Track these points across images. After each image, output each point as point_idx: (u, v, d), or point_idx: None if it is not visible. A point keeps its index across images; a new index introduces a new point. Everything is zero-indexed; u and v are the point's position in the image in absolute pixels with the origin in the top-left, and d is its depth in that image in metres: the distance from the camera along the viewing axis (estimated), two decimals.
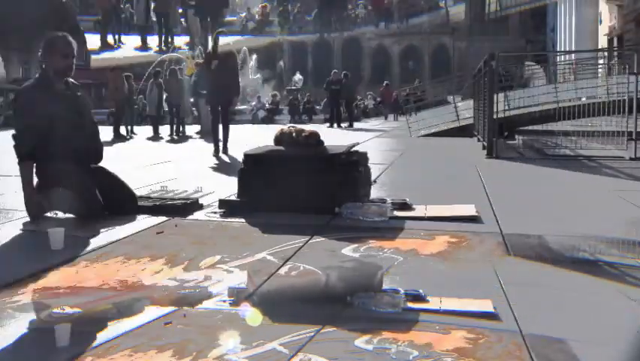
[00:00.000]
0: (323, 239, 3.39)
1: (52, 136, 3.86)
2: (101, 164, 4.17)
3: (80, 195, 3.82)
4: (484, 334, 2.06)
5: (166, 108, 15.78)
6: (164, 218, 3.95)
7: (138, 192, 4.52)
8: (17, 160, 3.91)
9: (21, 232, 3.66)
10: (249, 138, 11.62)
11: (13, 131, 3.95)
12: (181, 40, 28.14)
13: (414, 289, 2.43)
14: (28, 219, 3.92)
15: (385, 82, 29.16)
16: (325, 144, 4.39)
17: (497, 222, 3.82)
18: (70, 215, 3.91)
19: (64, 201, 3.87)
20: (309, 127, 4.24)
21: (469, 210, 4.06)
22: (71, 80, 4.12)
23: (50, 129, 3.85)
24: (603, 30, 22.43)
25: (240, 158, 4.41)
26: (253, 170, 4.26)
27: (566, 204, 4.66)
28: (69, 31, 5.26)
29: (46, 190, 3.89)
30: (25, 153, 3.87)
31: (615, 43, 20.99)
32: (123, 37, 29.13)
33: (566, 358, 1.90)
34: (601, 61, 12.87)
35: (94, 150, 4.13)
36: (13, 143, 3.94)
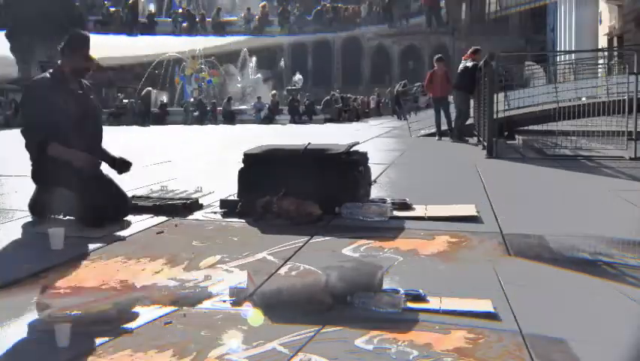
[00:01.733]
0: (323, 239, 3.39)
1: (57, 133, 3.79)
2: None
3: (85, 203, 3.70)
4: (484, 334, 2.06)
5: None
6: (164, 218, 3.95)
7: (138, 192, 4.52)
8: (39, 150, 3.79)
9: (21, 232, 3.66)
10: (250, 137, 11.63)
11: (21, 127, 3.88)
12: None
13: (414, 289, 2.43)
14: (29, 219, 3.92)
15: None
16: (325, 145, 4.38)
17: (497, 222, 3.82)
18: (71, 217, 3.89)
19: (66, 204, 3.84)
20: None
21: (469, 210, 4.06)
22: (85, 81, 4.08)
23: (57, 126, 3.79)
24: (603, 30, 22.42)
25: (240, 158, 4.40)
26: (253, 170, 4.26)
27: (566, 204, 4.66)
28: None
29: (47, 191, 3.87)
30: (44, 140, 3.77)
31: (615, 44, 20.98)
32: None
33: (566, 358, 1.90)
34: (601, 61, 12.85)
35: (97, 153, 4.04)
36: (25, 138, 3.84)
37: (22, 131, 3.88)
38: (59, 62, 3.98)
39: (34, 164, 3.91)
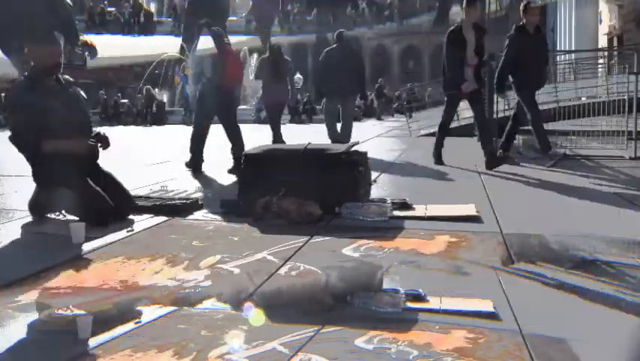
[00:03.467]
0: (323, 239, 3.39)
1: (46, 132, 3.82)
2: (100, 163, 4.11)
3: (89, 202, 3.74)
4: (484, 334, 2.06)
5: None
6: (164, 218, 3.95)
7: (138, 192, 4.52)
8: (34, 151, 3.85)
9: (21, 232, 3.66)
10: (250, 137, 11.63)
11: (9, 133, 3.89)
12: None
13: (414, 289, 2.43)
14: (29, 219, 3.92)
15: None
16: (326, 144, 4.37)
17: (497, 222, 3.82)
18: (74, 216, 3.88)
19: (66, 203, 3.84)
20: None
21: (469, 210, 4.06)
22: (65, 76, 4.10)
23: (43, 125, 3.81)
24: (603, 30, 22.42)
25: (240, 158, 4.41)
26: (253, 170, 4.26)
27: (565, 204, 4.66)
28: (62, 26, 5.26)
29: (47, 190, 3.88)
30: (34, 140, 3.82)
31: (615, 43, 20.98)
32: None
33: (566, 358, 1.90)
34: (601, 61, 12.85)
35: (86, 145, 4.00)
36: (16, 144, 3.87)
37: (10, 138, 3.88)
38: (32, 63, 4.03)
39: (34, 165, 3.92)
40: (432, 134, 13.22)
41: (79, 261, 2.97)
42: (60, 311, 2.34)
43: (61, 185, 3.78)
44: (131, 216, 3.94)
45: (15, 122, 3.93)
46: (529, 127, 8.20)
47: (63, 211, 3.94)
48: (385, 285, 2.46)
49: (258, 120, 24.85)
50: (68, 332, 2.06)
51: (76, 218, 3.78)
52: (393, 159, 8.04)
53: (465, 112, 14.05)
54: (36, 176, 3.94)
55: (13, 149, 3.91)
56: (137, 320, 2.21)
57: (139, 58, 29.33)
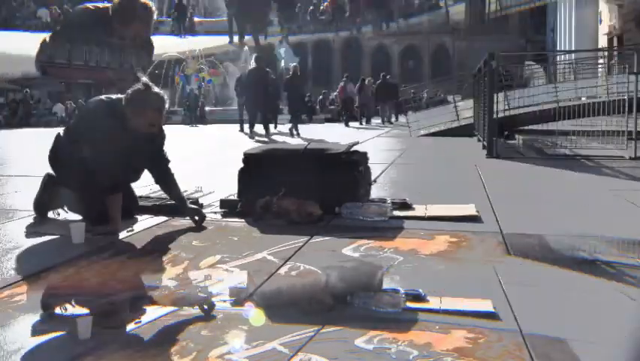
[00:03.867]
0: (323, 239, 3.39)
1: (118, 183, 3.62)
2: None
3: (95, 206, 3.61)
4: (484, 334, 2.06)
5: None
6: (164, 218, 3.95)
7: (138, 192, 4.52)
8: (100, 192, 3.53)
9: (21, 232, 3.65)
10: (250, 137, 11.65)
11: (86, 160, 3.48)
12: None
13: (414, 289, 2.43)
14: (29, 219, 3.92)
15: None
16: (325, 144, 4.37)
17: (497, 222, 3.82)
18: (75, 215, 3.88)
19: (71, 202, 3.83)
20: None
21: (469, 210, 4.06)
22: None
23: (118, 175, 3.59)
24: (603, 30, 22.41)
25: (240, 158, 4.41)
26: (253, 170, 4.26)
27: (566, 204, 4.66)
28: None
29: (53, 189, 3.87)
30: (109, 189, 3.55)
31: (615, 43, 20.97)
32: None
33: (566, 358, 1.90)
34: (601, 61, 12.84)
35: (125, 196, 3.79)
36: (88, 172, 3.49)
37: (79, 162, 3.51)
38: (123, 101, 3.52)
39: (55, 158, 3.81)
40: (432, 135, 13.28)
41: (79, 261, 2.97)
42: (60, 311, 2.34)
43: (68, 183, 3.75)
44: (135, 216, 3.95)
45: (98, 158, 3.45)
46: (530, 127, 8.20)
47: (65, 208, 3.94)
48: (385, 285, 2.46)
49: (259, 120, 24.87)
50: (68, 332, 2.06)
51: (76, 218, 3.78)
52: (393, 159, 8.04)
53: (465, 112, 14.08)
54: (60, 177, 3.83)
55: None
56: (137, 320, 2.21)
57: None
